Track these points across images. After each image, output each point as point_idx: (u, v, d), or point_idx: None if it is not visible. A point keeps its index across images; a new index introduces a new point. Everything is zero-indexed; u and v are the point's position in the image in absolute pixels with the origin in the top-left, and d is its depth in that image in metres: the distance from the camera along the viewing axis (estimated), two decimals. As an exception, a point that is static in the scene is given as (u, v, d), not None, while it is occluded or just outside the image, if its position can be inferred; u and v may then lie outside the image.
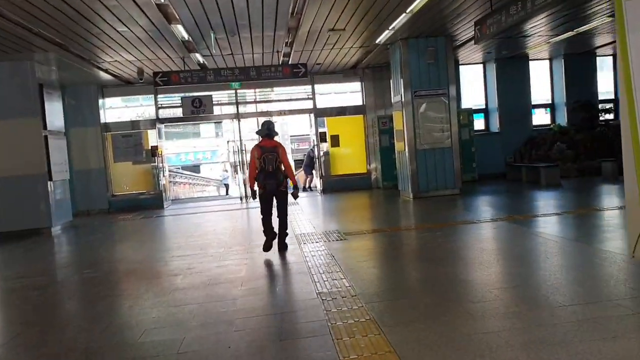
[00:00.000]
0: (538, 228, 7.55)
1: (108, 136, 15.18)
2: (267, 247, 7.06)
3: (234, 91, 15.59)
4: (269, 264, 6.64)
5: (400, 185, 12.92)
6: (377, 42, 12.06)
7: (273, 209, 7.18)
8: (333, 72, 15.55)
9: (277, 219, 7.16)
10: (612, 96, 16.28)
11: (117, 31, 9.78)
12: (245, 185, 15.14)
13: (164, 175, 15.12)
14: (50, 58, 11.23)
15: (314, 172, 18.89)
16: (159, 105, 15.62)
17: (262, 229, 7.15)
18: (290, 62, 12.80)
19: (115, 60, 12.12)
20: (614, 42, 14.27)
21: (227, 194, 31.62)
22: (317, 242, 7.61)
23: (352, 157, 15.91)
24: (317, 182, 16.34)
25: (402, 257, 6.73)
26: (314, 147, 18.90)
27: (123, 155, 15.22)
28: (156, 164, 15.01)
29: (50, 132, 11.47)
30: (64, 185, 12.03)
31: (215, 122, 40.49)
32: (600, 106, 15.66)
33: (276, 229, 7.21)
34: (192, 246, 8.17)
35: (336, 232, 8.24)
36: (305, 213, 11.07)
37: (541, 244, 6.52)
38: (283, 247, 7.12)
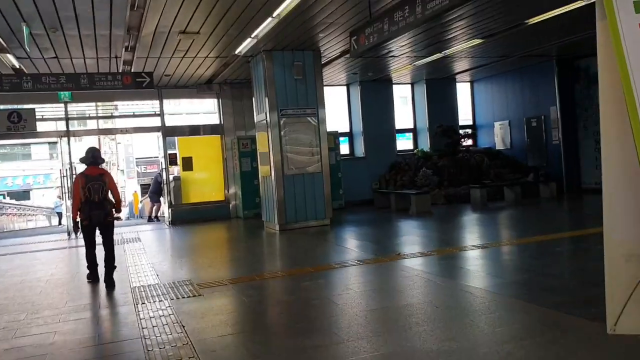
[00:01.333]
0: (439, 274, 6.25)
1: None
2: (93, 278, 6.62)
3: (62, 105, 12.78)
4: (87, 343, 4.48)
5: (264, 215, 11.19)
6: (236, 52, 10.32)
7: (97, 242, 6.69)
8: (185, 86, 13.47)
9: (104, 253, 6.53)
10: (471, 122, 16.27)
11: None
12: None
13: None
14: None
15: (161, 199, 16.54)
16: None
17: (87, 264, 6.68)
18: (132, 71, 10.52)
19: None
20: (472, 68, 14.11)
21: (60, 223, 27.36)
22: (161, 300, 5.56)
23: (207, 183, 13.88)
24: (165, 211, 14.00)
25: (282, 325, 4.93)
26: (162, 170, 16.60)
27: None
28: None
29: None
30: None
31: (49, 143, 35.63)
32: (461, 132, 15.44)
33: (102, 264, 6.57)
34: (-22, 313, 5.64)
35: (187, 284, 6.23)
36: (149, 254, 8.83)
37: (461, 297, 5.17)
38: (111, 284, 6.38)
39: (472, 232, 9.53)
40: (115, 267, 6.56)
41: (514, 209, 11.85)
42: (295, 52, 10.52)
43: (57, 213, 27.72)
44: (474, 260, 6.82)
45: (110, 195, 6.52)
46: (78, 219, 6.47)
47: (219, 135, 13.87)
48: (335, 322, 4.61)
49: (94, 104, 13.31)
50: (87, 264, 6.63)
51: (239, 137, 13.31)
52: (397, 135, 15.16)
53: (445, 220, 10.91)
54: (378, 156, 14.43)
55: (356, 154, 14.96)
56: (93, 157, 6.60)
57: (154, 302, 5.51)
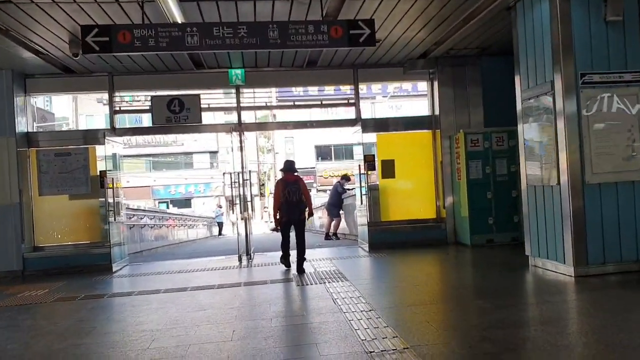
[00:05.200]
0: None
1: (32, 154, 8.87)
2: (286, 263, 7.52)
3: (233, 91, 9.45)
4: None
5: (531, 247, 6.62)
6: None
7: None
8: (389, 64, 9.46)
9: (297, 245, 7.30)
10: None
11: None
12: (247, 235, 8.92)
13: (115, 219, 8.72)
14: None
15: (341, 213, 12.79)
16: (116, 108, 9.40)
17: (281, 254, 7.60)
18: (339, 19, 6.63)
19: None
20: None
21: (219, 234, 25.10)
22: None
23: (413, 195, 9.67)
24: (362, 230, 10.12)
25: None
26: (342, 178, 12.88)
27: (54, 185, 8.87)
28: (106, 199, 8.65)
29: None
30: None
31: (210, 152, 34.35)
32: None
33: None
34: None
35: None
36: (381, 314, 4.58)
37: None
38: (301, 271, 7.13)
39: None
40: (305, 258, 7.33)
41: None
42: (604, -20, 5.93)
43: (218, 223, 25.60)
44: None
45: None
46: (278, 216, 7.41)
47: (430, 131, 9.62)
48: None
49: (270, 90, 9.83)
50: (281, 253, 7.60)
51: (468, 132, 8.90)
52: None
53: None
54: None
55: None
56: (290, 167, 7.58)
57: None
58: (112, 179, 8.74)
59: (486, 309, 4.71)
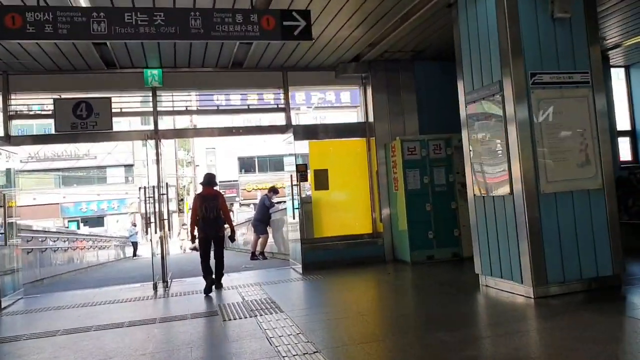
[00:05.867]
0: None
1: None
2: (208, 290, 6.87)
3: (149, 94, 8.39)
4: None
5: (482, 265, 6.13)
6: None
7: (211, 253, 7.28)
8: (320, 67, 8.81)
9: (215, 261, 7.25)
10: None
11: None
12: (163, 257, 7.86)
13: (6, 242, 7.30)
14: None
15: (269, 229, 11.94)
16: (11, 113, 8.05)
17: (203, 274, 7.09)
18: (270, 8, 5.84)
19: None
20: None
21: (134, 255, 23.21)
22: None
23: (350, 208, 9.04)
24: (294, 249, 9.33)
25: None
26: (270, 191, 12.09)
27: None
28: (-6, 219, 7.23)
29: None
30: None
31: (125, 166, 32.20)
32: None
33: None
34: None
35: None
36: (315, 350, 3.88)
37: None
38: (219, 286, 7.17)
39: None
40: (223, 274, 7.33)
41: None
42: (551, -21, 5.61)
43: (132, 243, 23.68)
44: None
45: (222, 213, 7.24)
46: (195, 233, 7.20)
47: (364, 139, 9.07)
48: None
49: (190, 93, 8.86)
50: (203, 276, 7.06)
51: (404, 140, 8.41)
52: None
53: None
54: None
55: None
56: (210, 180, 7.41)
57: None
58: (4, 195, 7.36)
59: (450, 343, 4.03)
